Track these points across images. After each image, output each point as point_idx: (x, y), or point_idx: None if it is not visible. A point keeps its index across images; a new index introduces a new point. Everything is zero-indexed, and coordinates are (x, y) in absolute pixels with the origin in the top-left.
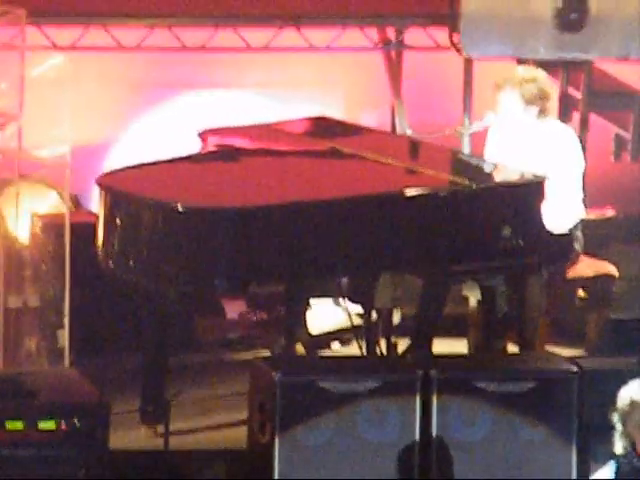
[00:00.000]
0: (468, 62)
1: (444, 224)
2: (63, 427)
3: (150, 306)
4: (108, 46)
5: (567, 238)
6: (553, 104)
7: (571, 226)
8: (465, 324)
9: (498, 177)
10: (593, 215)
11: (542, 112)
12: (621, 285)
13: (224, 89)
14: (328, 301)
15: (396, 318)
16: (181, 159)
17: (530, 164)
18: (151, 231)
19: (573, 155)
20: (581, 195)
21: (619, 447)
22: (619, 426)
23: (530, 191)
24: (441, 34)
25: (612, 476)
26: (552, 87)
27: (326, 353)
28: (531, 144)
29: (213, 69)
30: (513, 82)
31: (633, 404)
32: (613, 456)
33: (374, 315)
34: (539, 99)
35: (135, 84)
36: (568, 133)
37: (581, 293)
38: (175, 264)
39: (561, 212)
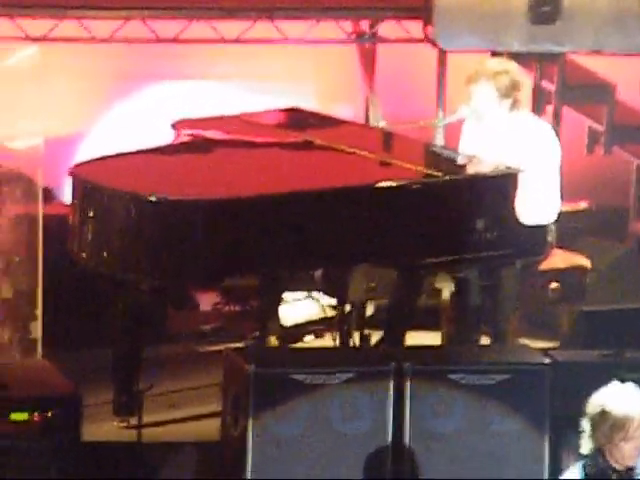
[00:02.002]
0: (442, 55)
1: (418, 216)
2: (36, 419)
3: (123, 298)
4: (81, 37)
5: (541, 231)
6: (525, 95)
7: (551, 218)
8: (438, 316)
9: (472, 169)
10: (566, 207)
11: (515, 104)
12: (594, 277)
13: (197, 80)
14: (302, 294)
15: (369, 310)
16: (154, 150)
17: (505, 157)
18: (124, 222)
19: (549, 149)
20: (558, 188)
21: (586, 448)
22: (587, 429)
23: (504, 183)
24: (415, 27)
25: (580, 476)
26: (524, 78)
27: (299, 345)
28: (506, 137)
29: (186, 61)
30: (486, 75)
31: (603, 414)
32: (580, 457)
33: (347, 307)
34: (512, 91)
35: (108, 75)
36: (543, 126)
37: (554, 285)
38: (148, 256)
39: (541, 205)
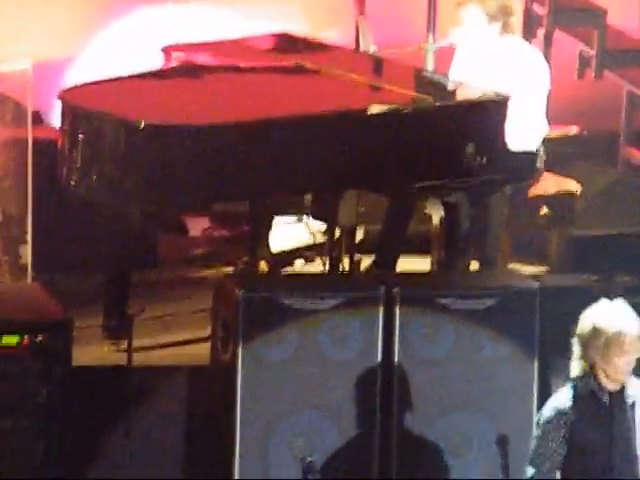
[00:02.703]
0: None
1: (408, 141)
2: (26, 342)
3: (112, 223)
4: None
5: (530, 156)
6: (518, 20)
7: (538, 144)
8: (428, 242)
9: (461, 95)
10: (556, 132)
11: (505, 28)
12: (584, 202)
13: (187, 4)
14: (291, 218)
15: (360, 235)
16: (143, 75)
17: (495, 82)
18: (113, 148)
19: (539, 75)
20: (544, 113)
21: (576, 370)
22: (578, 349)
23: (493, 109)
24: None
25: (570, 398)
26: (516, 2)
27: (289, 270)
28: (495, 61)
29: None
30: None
31: (596, 330)
32: (569, 379)
33: (337, 232)
34: (502, 14)
35: None
36: (533, 52)
37: (544, 210)
38: (137, 181)
39: (527, 130)
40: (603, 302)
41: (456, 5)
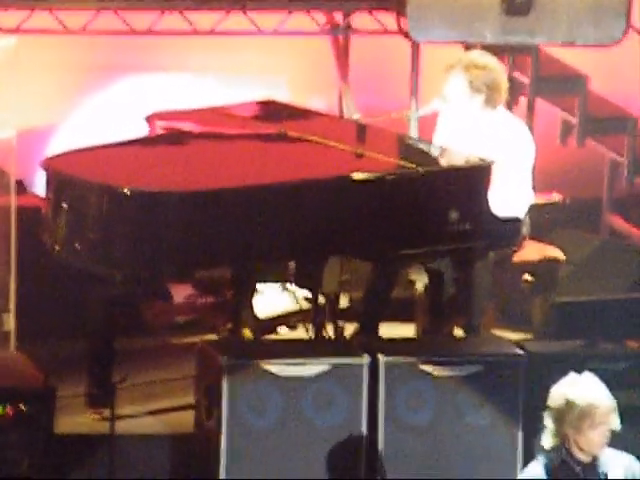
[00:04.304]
0: (415, 46)
1: (392, 208)
2: (8, 411)
3: (96, 290)
4: (54, 29)
5: (514, 223)
6: (503, 96)
7: (523, 214)
8: (412, 308)
9: (445, 161)
10: (540, 199)
11: (489, 102)
12: (567, 269)
13: (171, 72)
14: (275, 285)
15: (343, 302)
16: (128, 142)
17: (479, 150)
18: (97, 214)
19: (523, 146)
20: (530, 183)
21: (547, 442)
22: (550, 422)
23: (477, 175)
24: (388, 18)
25: (543, 471)
26: (503, 78)
27: (273, 337)
28: (479, 131)
29: (159, 52)
30: (461, 66)
31: (568, 404)
32: (541, 451)
33: (321, 299)
34: (486, 88)
35: (81, 67)
36: (516, 123)
37: (527, 277)
38: (122, 248)
39: (513, 200)
40: (572, 375)
41: (445, 69)
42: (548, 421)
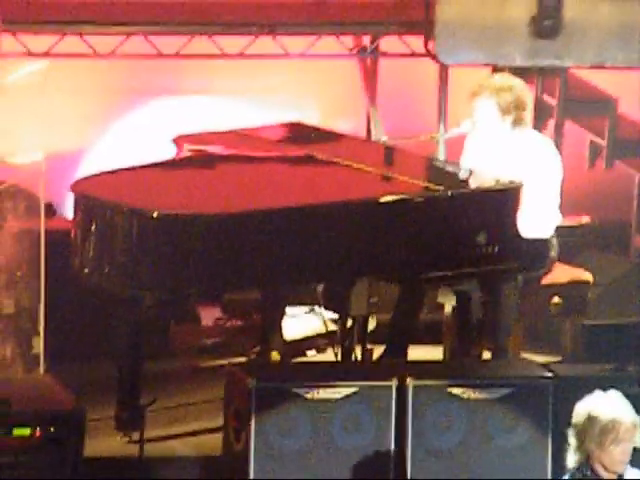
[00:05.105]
0: (443, 69)
1: (420, 230)
2: (38, 434)
3: (125, 312)
4: (83, 53)
5: (543, 245)
6: (529, 114)
7: (550, 234)
8: (440, 331)
9: (473, 183)
10: (568, 222)
11: (517, 121)
12: (596, 292)
13: (199, 95)
14: (304, 308)
15: (371, 325)
16: (156, 165)
17: (507, 172)
18: (126, 237)
19: (551, 165)
20: (558, 203)
21: (572, 461)
22: (573, 441)
23: (505, 198)
24: (416, 41)
25: None
26: (529, 96)
27: (301, 360)
28: (508, 153)
29: (188, 76)
30: (489, 90)
31: (591, 419)
32: (566, 470)
33: (349, 322)
34: (515, 108)
35: (110, 91)
36: (546, 143)
37: (556, 300)
38: (150, 271)
39: (540, 220)
40: (597, 392)
41: (470, 95)
42: (572, 439)
